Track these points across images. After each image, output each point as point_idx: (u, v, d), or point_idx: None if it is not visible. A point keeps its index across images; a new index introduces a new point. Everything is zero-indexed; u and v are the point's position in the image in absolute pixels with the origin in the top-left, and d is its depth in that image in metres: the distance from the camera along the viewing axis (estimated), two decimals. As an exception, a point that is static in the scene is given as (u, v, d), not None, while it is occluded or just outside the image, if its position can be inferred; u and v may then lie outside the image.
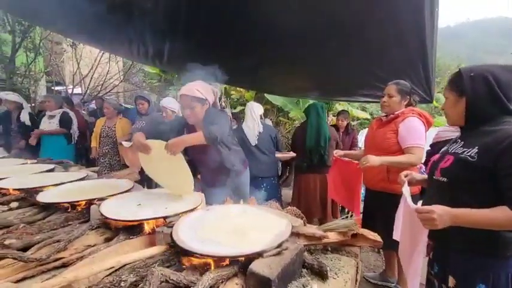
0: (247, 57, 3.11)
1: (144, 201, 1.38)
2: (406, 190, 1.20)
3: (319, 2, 2.12)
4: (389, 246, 1.45)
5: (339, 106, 7.04)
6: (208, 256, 0.88)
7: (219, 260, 0.88)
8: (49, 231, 1.18)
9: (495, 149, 0.95)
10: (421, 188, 1.92)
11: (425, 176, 1.28)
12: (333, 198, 2.73)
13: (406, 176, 1.31)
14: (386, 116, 2.05)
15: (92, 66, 7.24)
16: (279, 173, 3.83)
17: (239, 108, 7.45)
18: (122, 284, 0.81)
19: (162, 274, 0.77)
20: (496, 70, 1.02)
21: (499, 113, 1.01)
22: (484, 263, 1.00)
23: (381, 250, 2.68)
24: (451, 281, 1.05)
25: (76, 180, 1.80)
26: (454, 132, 1.83)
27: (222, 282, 0.82)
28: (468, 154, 1.00)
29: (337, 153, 2.30)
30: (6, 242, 1.01)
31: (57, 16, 2.69)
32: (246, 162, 2.17)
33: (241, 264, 0.87)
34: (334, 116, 6.47)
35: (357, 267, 1.07)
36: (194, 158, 1.91)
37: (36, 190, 1.57)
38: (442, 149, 1.20)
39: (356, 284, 1.07)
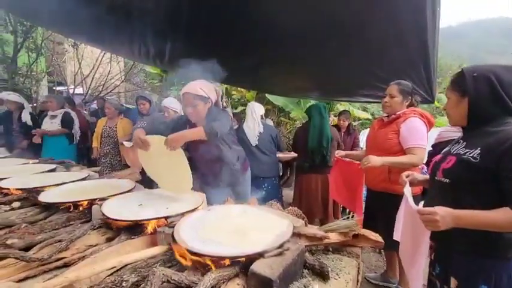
0: (248, 57, 3.11)
1: (146, 201, 1.38)
2: (407, 190, 1.19)
3: (319, 2, 2.12)
4: (391, 247, 1.45)
5: (340, 106, 7.03)
6: (209, 256, 0.88)
7: (220, 260, 0.88)
8: (51, 231, 1.18)
9: (497, 150, 0.94)
10: (422, 189, 1.91)
11: (427, 176, 1.27)
12: (335, 199, 2.73)
13: (407, 177, 1.31)
14: (387, 116, 2.04)
15: (94, 66, 7.26)
16: (280, 173, 3.83)
17: (240, 108, 7.45)
18: (124, 284, 0.81)
19: (163, 274, 0.77)
20: (498, 70, 1.01)
21: (501, 113, 1.01)
22: (486, 264, 0.99)
23: (382, 251, 2.67)
24: (453, 282, 1.05)
25: (78, 180, 1.80)
26: (456, 133, 1.82)
27: (223, 282, 0.82)
28: (471, 155, 1.00)
29: (339, 153, 2.30)
30: (9, 242, 1.01)
31: (59, 16, 2.70)
32: (247, 163, 2.17)
33: (243, 265, 0.87)
34: (335, 116, 6.46)
35: (358, 268, 1.07)
36: (195, 156, 1.91)
37: (38, 190, 1.57)
38: (444, 150, 1.19)
39: (357, 284, 1.07)
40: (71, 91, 7.24)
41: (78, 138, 3.94)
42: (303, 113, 6.52)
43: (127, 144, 3.24)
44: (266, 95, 6.55)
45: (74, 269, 0.90)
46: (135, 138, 1.55)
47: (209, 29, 2.67)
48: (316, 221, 2.92)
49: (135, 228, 1.16)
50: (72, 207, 1.40)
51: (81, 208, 1.39)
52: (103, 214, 1.20)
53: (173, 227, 1.05)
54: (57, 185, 1.68)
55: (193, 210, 1.25)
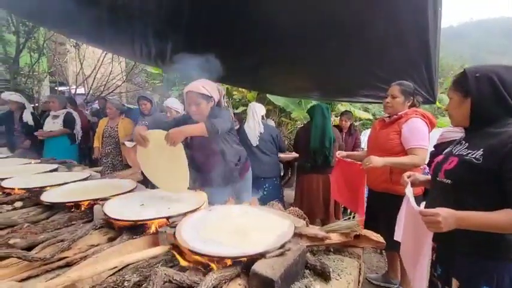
0: (248, 57, 3.12)
1: (147, 201, 1.38)
2: (409, 191, 1.19)
3: (319, 2, 2.12)
4: (392, 248, 1.45)
5: (341, 107, 7.02)
6: (211, 256, 0.88)
7: (221, 261, 0.88)
8: (53, 231, 1.19)
9: (500, 152, 0.94)
10: (424, 189, 1.91)
11: (429, 177, 1.27)
12: (336, 199, 2.73)
13: (409, 177, 1.31)
14: (389, 116, 2.04)
15: (95, 66, 7.28)
16: (282, 173, 3.83)
17: (241, 108, 7.45)
18: (126, 283, 0.81)
19: (165, 274, 0.78)
20: (500, 71, 1.01)
21: (503, 114, 1.01)
22: (488, 266, 0.99)
23: (383, 251, 2.67)
24: (455, 283, 1.04)
25: (79, 180, 1.81)
26: (459, 133, 1.82)
27: (225, 282, 0.82)
28: (473, 156, 1.00)
29: (340, 154, 2.30)
30: (11, 242, 1.02)
31: (61, 17, 2.71)
32: (248, 163, 2.18)
33: (244, 265, 0.87)
34: (336, 116, 6.45)
35: (360, 269, 1.07)
36: (197, 155, 1.92)
37: (40, 190, 1.58)
38: (446, 150, 1.19)
39: (359, 285, 1.07)
40: (73, 91, 7.26)
41: (79, 138, 3.96)
42: (304, 113, 6.52)
43: (128, 144, 3.25)
44: (267, 95, 6.56)
45: (76, 268, 0.91)
46: (135, 134, 1.54)
47: (209, 29, 2.67)
48: (318, 222, 2.92)
49: (136, 228, 1.16)
50: (74, 207, 1.40)
51: (83, 208, 1.39)
52: (105, 214, 1.21)
53: (175, 227, 1.05)
54: (59, 185, 1.69)
55: (194, 211, 1.25)
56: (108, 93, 7.52)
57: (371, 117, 7.82)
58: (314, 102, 4.55)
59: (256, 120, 2.93)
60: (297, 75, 3.62)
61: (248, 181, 2.18)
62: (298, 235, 1.05)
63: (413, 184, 1.29)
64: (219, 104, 1.92)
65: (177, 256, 0.94)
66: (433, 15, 2.05)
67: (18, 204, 1.49)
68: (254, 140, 2.92)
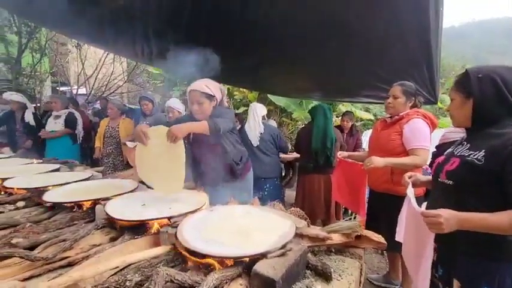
0: (248, 57, 3.12)
1: (149, 202, 1.38)
2: (410, 192, 1.19)
3: (319, 2, 2.12)
4: (393, 248, 1.44)
5: (343, 107, 7.02)
6: (212, 256, 0.88)
7: (223, 261, 0.88)
8: (55, 231, 1.19)
9: (502, 153, 0.94)
10: (425, 190, 1.90)
11: (430, 177, 1.27)
12: (337, 201, 2.72)
13: (410, 178, 1.31)
14: (390, 117, 2.04)
15: (97, 66, 7.30)
16: (283, 173, 3.83)
17: (242, 108, 7.46)
18: (127, 283, 0.81)
19: (167, 274, 0.78)
20: (502, 71, 1.01)
21: (506, 114, 1.01)
22: (490, 267, 0.99)
23: (384, 252, 2.66)
24: (456, 284, 1.04)
25: (81, 180, 1.81)
26: (461, 134, 1.80)
27: (226, 282, 0.82)
28: (475, 157, 0.99)
29: (341, 154, 2.30)
30: (13, 241, 1.02)
31: (62, 17, 2.72)
32: (249, 163, 2.18)
33: (246, 265, 0.87)
34: (337, 116, 6.45)
35: (361, 269, 1.06)
36: (198, 155, 1.92)
37: (42, 190, 1.59)
38: (447, 151, 1.19)
39: (360, 285, 1.06)
40: (74, 91, 7.29)
41: (81, 138, 3.97)
42: (305, 113, 6.52)
43: (130, 144, 3.25)
44: (268, 95, 6.56)
45: (78, 268, 0.91)
46: (137, 130, 1.52)
47: (209, 29, 2.68)
48: (319, 222, 2.92)
49: (138, 228, 1.16)
50: (75, 207, 1.41)
51: (84, 208, 1.40)
52: (106, 214, 1.21)
53: (176, 227, 1.06)
54: (61, 184, 1.69)
55: (196, 211, 1.25)
56: (109, 94, 7.54)
57: (372, 117, 7.81)
58: (315, 103, 4.55)
59: (257, 121, 2.94)
60: (298, 75, 3.62)
61: (249, 181, 2.18)
62: (299, 235, 1.05)
63: (415, 185, 1.29)
64: (221, 104, 1.94)
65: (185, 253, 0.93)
66: (434, 15, 2.04)
67: (21, 204, 1.49)
68: (255, 140, 2.92)
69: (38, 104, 5.53)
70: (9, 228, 1.20)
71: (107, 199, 1.39)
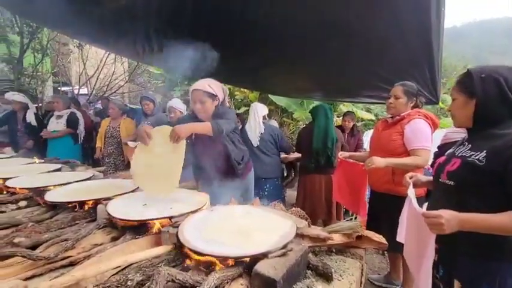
0: (248, 57, 3.12)
1: (150, 201, 1.39)
2: (411, 192, 1.19)
3: (320, 2, 2.12)
4: (394, 249, 1.44)
5: (344, 107, 7.01)
6: (213, 256, 0.88)
7: (224, 261, 0.88)
8: (57, 230, 1.19)
9: (504, 153, 0.94)
10: (426, 191, 1.90)
11: (431, 178, 1.27)
12: (338, 201, 2.72)
13: (411, 178, 1.30)
14: (391, 117, 2.04)
15: (98, 67, 7.32)
16: (285, 174, 3.82)
17: (243, 108, 7.46)
18: (129, 282, 0.82)
19: (168, 274, 0.78)
20: (505, 71, 1.01)
21: (507, 115, 1.00)
22: (491, 267, 0.99)
23: (385, 252, 2.66)
24: (457, 285, 1.04)
25: (83, 180, 1.82)
26: (462, 134, 1.80)
27: (227, 282, 0.82)
28: (476, 158, 0.99)
29: (342, 154, 2.30)
30: (16, 241, 1.03)
31: (64, 17, 2.73)
32: (250, 163, 2.18)
33: (246, 265, 0.88)
34: (338, 117, 6.45)
35: (362, 269, 1.06)
36: (200, 154, 1.93)
37: (44, 189, 1.59)
38: (448, 151, 1.19)
39: (361, 286, 1.06)
40: (76, 91, 7.30)
41: (82, 138, 3.98)
42: (306, 113, 6.52)
43: (131, 144, 3.26)
44: (269, 95, 6.56)
45: (80, 267, 0.91)
46: (140, 130, 1.52)
47: (210, 29, 2.68)
48: (320, 222, 2.92)
49: (139, 228, 1.17)
50: (77, 207, 1.41)
51: (86, 207, 1.40)
52: (108, 214, 1.21)
53: (177, 226, 1.06)
54: (63, 184, 1.70)
55: (197, 211, 1.25)
56: (110, 94, 7.56)
57: (373, 117, 7.80)
58: (316, 103, 4.55)
59: (257, 121, 2.94)
60: (298, 75, 3.62)
61: (250, 181, 2.18)
62: (300, 236, 1.05)
63: (416, 185, 1.29)
64: (223, 104, 1.95)
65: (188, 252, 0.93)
66: (436, 15, 2.04)
67: (23, 203, 1.50)
68: (255, 141, 2.92)
69: (40, 104, 5.54)
70: (12, 227, 1.21)
71: (109, 199, 1.39)
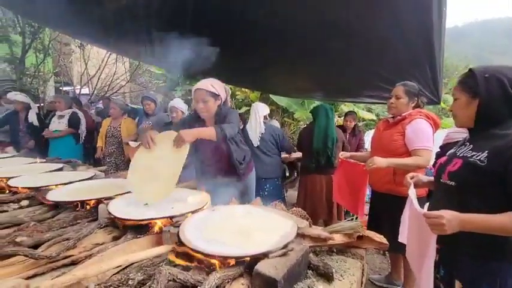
0: (249, 57, 3.12)
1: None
2: (412, 192, 1.19)
3: (320, 2, 2.12)
4: (396, 249, 1.44)
5: (345, 107, 7.01)
6: (214, 256, 0.88)
7: (225, 260, 0.88)
8: (58, 229, 1.20)
9: (506, 154, 0.93)
10: (428, 191, 1.90)
11: (432, 178, 1.27)
12: (337, 201, 2.72)
13: (412, 178, 1.30)
14: (393, 117, 2.03)
15: (99, 67, 7.34)
16: (287, 174, 3.82)
17: (244, 108, 7.46)
18: (130, 282, 0.82)
19: (169, 273, 0.78)
20: (507, 71, 1.00)
21: (509, 115, 1.00)
22: (492, 268, 0.98)
23: (386, 253, 2.66)
24: (458, 285, 1.04)
25: (84, 180, 1.82)
26: (464, 134, 1.80)
27: (228, 282, 0.82)
28: (477, 158, 0.99)
29: (343, 155, 2.30)
30: (18, 240, 1.03)
31: (66, 18, 2.74)
32: (252, 163, 2.19)
33: (247, 265, 0.88)
34: (339, 117, 6.44)
35: (363, 270, 1.06)
36: (203, 154, 1.93)
37: (46, 189, 1.60)
38: (449, 152, 1.18)
39: (361, 286, 1.06)
40: (77, 91, 7.32)
41: (84, 138, 3.99)
42: (307, 113, 6.52)
43: (133, 144, 3.27)
44: (270, 95, 6.56)
45: (81, 267, 0.92)
46: (146, 136, 1.53)
47: (211, 29, 2.69)
48: (320, 222, 2.92)
49: (141, 228, 1.17)
50: (79, 206, 1.42)
51: (87, 207, 1.41)
52: (109, 213, 1.22)
53: (178, 226, 1.06)
54: (64, 184, 1.71)
55: (198, 210, 1.26)
56: (112, 93, 7.57)
57: (374, 117, 7.79)
58: (317, 103, 4.55)
59: (258, 121, 2.93)
60: (298, 75, 3.62)
61: (252, 181, 2.18)
62: (301, 235, 1.05)
63: (417, 185, 1.29)
64: (226, 103, 1.96)
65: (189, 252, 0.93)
66: (437, 15, 2.04)
67: (25, 203, 1.50)
68: (255, 141, 2.92)
69: (42, 104, 5.56)
70: (14, 226, 1.21)
71: (110, 198, 1.40)
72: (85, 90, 7.50)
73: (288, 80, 3.96)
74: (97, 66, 7.40)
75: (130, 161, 3.51)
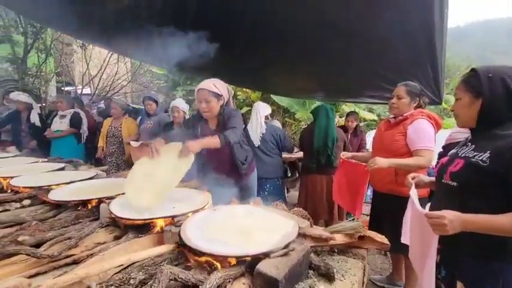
0: (249, 57, 3.12)
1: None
2: (413, 193, 1.18)
3: (320, 2, 2.12)
4: (397, 249, 1.44)
5: (346, 107, 7.00)
6: (215, 255, 0.88)
7: (226, 260, 0.89)
8: (60, 229, 1.20)
9: (507, 154, 0.93)
10: (429, 191, 1.89)
11: (433, 178, 1.26)
12: (336, 202, 2.71)
13: (413, 179, 1.30)
14: (394, 117, 2.03)
15: (101, 67, 7.35)
16: (288, 174, 3.82)
17: (245, 108, 7.47)
18: (131, 281, 0.82)
19: (171, 272, 0.78)
20: (510, 71, 1.00)
21: (511, 115, 1.00)
22: (494, 268, 0.98)
23: (388, 253, 2.65)
24: (459, 286, 1.03)
25: (86, 179, 1.83)
26: (466, 134, 1.80)
27: (229, 281, 0.83)
28: (479, 158, 0.98)
29: (345, 155, 2.29)
30: (20, 239, 1.04)
31: (67, 18, 2.75)
32: (253, 163, 2.19)
33: (248, 264, 0.88)
34: (341, 117, 6.44)
35: (364, 270, 1.06)
36: (205, 154, 1.93)
37: (47, 188, 1.60)
38: (451, 152, 1.18)
39: (363, 286, 1.06)
40: (79, 91, 7.35)
41: (85, 138, 4.00)
42: (308, 113, 6.51)
43: (134, 144, 3.28)
44: (271, 95, 6.57)
45: (83, 266, 0.92)
46: (152, 147, 1.53)
47: (211, 29, 2.69)
48: (321, 222, 2.91)
49: (142, 227, 1.17)
50: (80, 206, 1.42)
51: (89, 206, 1.41)
52: (111, 213, 1.22)
53: (180, 226, 1.06)
54: (66, 183, 1.71)
55: (199, 210, 1.26)
56: (113, 94, 7.59)
57: (376, 118, 7.78)
58: (318, 103, 4.54)
59: (259, 121, 2.93)
60: (299, 75, 3.62)
61: (253, 181, 2.19)
62: (302, 235, 1.05)
63: (418, 186, 1.28)
64: (228, 104, 1.96)
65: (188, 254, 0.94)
66: (439, 15, 2.03)
67: (27, 202, 1.51)
68: (256, 141, 2.92)
69: (44, 104, 5.58)
70: (16, 226, 1.22)
71: (111, 198, 1.40)
72: (87, 90, 7.53)
73: (288, 80, 3.96)
74: (99, 66, 7.41)
75: (131, 160, 3.55)
